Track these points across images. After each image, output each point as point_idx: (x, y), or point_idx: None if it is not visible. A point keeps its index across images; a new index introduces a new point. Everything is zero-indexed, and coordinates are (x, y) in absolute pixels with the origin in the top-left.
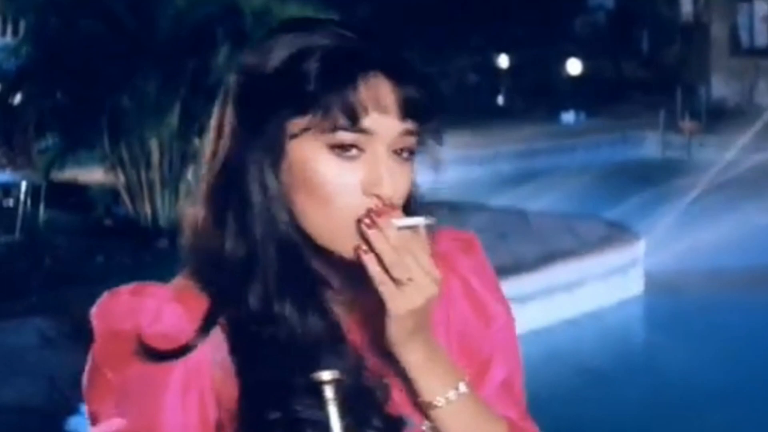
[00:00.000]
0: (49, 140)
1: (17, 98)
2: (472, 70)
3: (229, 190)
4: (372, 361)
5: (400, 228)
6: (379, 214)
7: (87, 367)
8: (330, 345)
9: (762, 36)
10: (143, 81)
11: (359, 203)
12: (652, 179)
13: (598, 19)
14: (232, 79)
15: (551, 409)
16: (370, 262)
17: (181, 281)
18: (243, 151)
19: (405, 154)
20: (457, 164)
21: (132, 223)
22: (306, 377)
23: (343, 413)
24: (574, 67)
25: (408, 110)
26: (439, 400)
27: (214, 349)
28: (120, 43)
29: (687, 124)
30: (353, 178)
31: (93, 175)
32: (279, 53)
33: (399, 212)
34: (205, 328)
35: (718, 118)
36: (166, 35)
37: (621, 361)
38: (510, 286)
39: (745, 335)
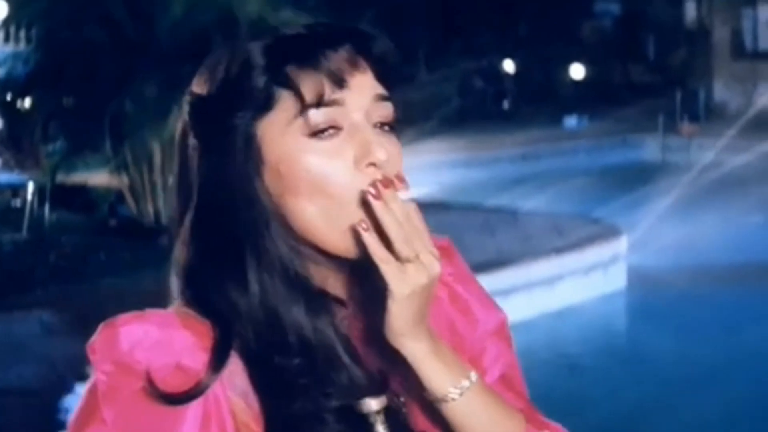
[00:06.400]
0: (57, 144)
1: (26, 103)
2: (478, 74)
3: (214, 221)
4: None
5: (405, 201)
6: (385, 185)
7: (79, 408)
8: (352, 367)
9: (765, 40)
10: (143, 86)
11: (354, 181)
12: (646, 180)
13: (604, 25)
14: (185, 109)
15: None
16: (371, 238)
17: (180, 310)
18: (219, 173)
19: (386, 128)
20: (460, 167)
21: (135, 223)
22: (338, 403)
23: None
24: (577, 72)
25: (374, 74)
26: (452, 392)
27: (231, 374)
28: (121, 49)
29: (686, 127)
30: (341, 158)
31: (102, 178)
32: (222, 65)
33: (406, 185)
34: (218, 362)
35: (719, 120)
36: (165, 42)
37: (600, 353)
38: (493, 280)
39: (726, 328)
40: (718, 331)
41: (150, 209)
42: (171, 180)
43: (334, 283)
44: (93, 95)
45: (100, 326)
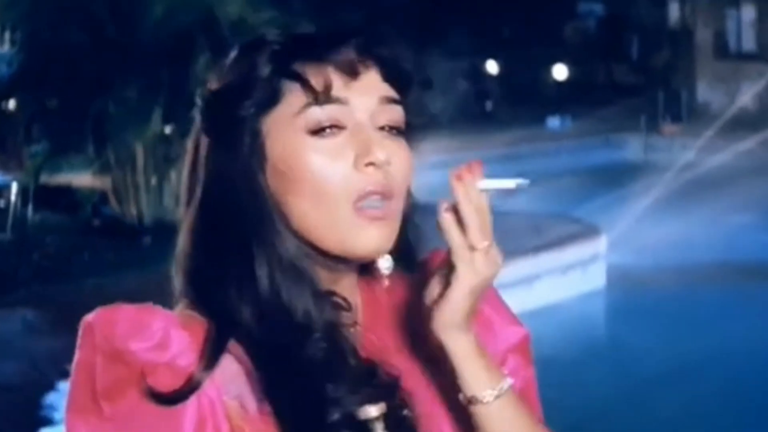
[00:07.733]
0: (41, 145)
1: (10, 105)
2: (461, 75)
3: (220, 218)
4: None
5: (483, 190)
6: (467, 170)
7: (74, 390)
8: (360, 371)
9: (749, 41)
10: (126, 87)
11: (353, 181)
12: (628, 180)
13: (588, 25)
14: (198, 105)
15: None
16: (449, 221)
17: (183, 312)
18: (226, 169)
19: (394, 132)
20: (443, 167)
21: (118, 223)
22: (344, 411)
23: None
24: (560, 72)
25: (380, 74)
26: (489, 394)
27: (227, 377)
28: (103, 51)
29: (668, 127)
30: (343, 158)
31: (86, 179)
32: (232, 63)
33: (482, 172)
34: (211, 358)
35: (702, 121)
36: (146, 43)
37: (578, 352)
38: None
39: (705, 327)
40: (697, 330)
41: (133, 210)
42: (154, 181)
43: (342, 288)
44: (76, 97)
45: (98, 308)
